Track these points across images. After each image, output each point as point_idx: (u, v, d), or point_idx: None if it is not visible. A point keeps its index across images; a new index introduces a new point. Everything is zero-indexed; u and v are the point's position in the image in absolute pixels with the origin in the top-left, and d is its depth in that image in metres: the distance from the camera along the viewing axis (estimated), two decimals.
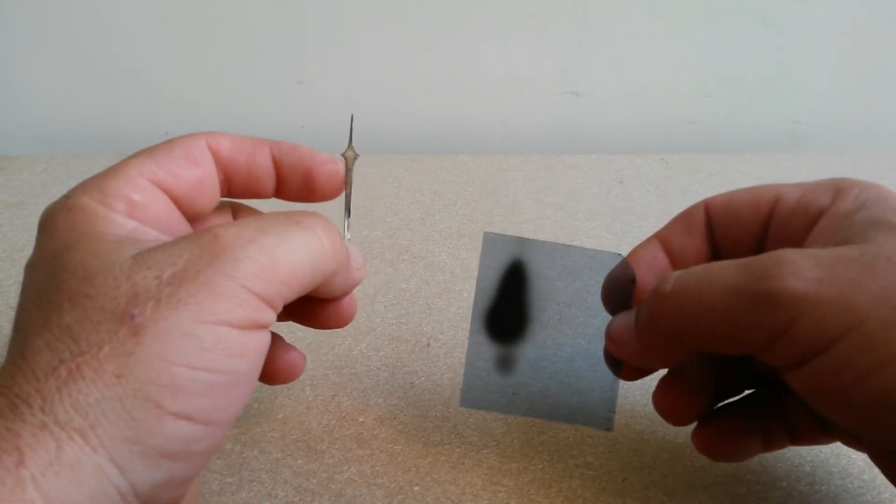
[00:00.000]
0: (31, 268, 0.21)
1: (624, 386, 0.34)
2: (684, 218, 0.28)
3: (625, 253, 0.28)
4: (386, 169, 0.53)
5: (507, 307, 0.28)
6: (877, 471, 0.29)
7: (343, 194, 0.27)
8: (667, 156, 0.57)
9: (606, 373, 0.28)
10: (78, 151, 0.58)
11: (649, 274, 0.27)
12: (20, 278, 0.43)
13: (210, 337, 0.19)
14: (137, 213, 0.22)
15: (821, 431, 0.26)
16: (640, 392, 0.34)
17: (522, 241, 0.28)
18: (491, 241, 0.28)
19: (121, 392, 0.18)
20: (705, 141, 0.63)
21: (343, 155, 0.27)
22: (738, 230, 0.27)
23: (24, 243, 0.44)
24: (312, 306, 0.27)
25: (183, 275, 0.19)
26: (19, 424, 0.17)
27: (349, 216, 0.28)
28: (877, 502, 0.28)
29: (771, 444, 0.27)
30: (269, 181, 0.26)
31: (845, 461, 0.30)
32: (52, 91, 0.58)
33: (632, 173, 0.54)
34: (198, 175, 0.24)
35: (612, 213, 0.48)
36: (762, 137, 0.64)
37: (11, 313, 0.38)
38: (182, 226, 0.24)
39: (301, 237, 0.22)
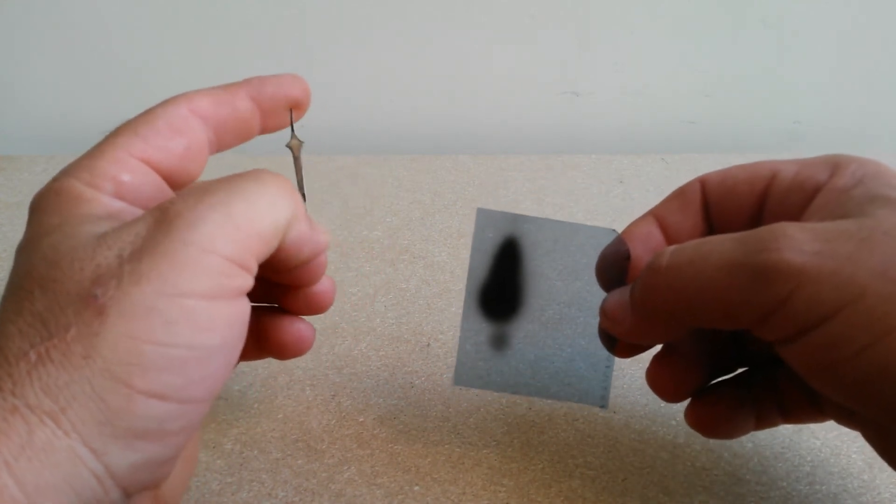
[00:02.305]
0: (18, 255, 0.21)
1: (623, 386, 0.34)
2: (679, 195, 0.28)
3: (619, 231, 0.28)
4: (386, 169, 0.53)
5: (501, 284, 0.28)
6: (877, 471, 0.30)
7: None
8: (667, 156, 0.57)
9: (601, 351, 0.28)
10: (78, 151, 0.58)
11: (644, 250, 0.27)
12: None
13: (175, 310, 0.18)
14: (126, 194, 0.22)
15: (813, 409, 0.26)
16: (639, 392, 0.34)
17: (516, 217, 0.28)
18: (484, 216, 0.28)
19: (89, 373, 0.18)
20: (705, 141, 0.63)
21: (288, 145, 0.27)
22: (734, 206, 0.26)
23: None
24: (291, 290, 0.26)
25: (142, 249, 0.19)
26: None
27: (304, 201, 0.28)
28: (877, 502, 0.28)
29: (763, 421, 0.27)
30: (255, 122, 0.26)
31: (845, 461, 0.30)
32: (52, 91, 0.58)
33: (632, 173, 0.54)
34: (184, 144, 0.23)
35: (612, 213, 0.48)
36: (762, 137, 0.64)
37: None
38: None
39: (251, 186, 0.21)
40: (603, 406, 0.29)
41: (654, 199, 0.26)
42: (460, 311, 0.39)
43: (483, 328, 0.28)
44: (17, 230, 0.45)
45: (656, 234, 0.27)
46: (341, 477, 0.29)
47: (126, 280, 0.18)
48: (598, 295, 0.28)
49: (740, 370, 0.28)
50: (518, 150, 0.60)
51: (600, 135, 0.63)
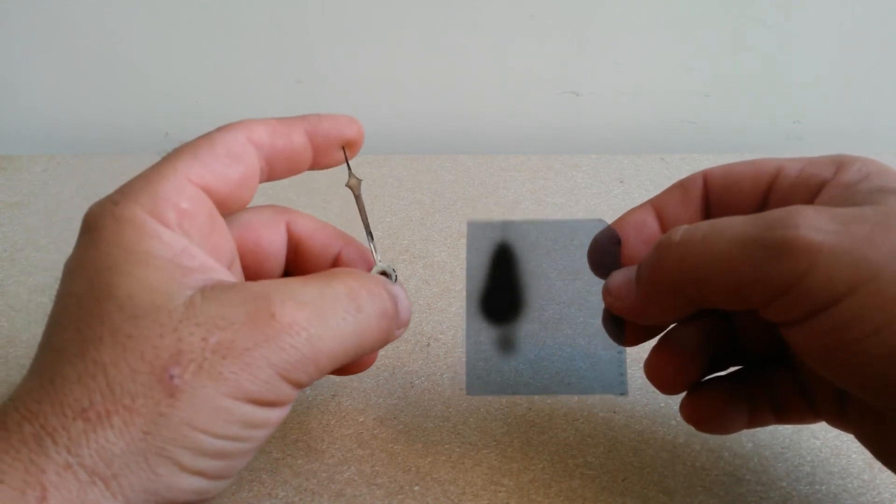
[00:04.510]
0: (72, 273, 0.21)
1: None
2: (681, 186, 0.28)
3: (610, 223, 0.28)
4: (386, 169, 0.53)
5: (500, 289, 0.28)
6: (877, 471, 0.30)
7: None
8: (666, 156, 0.57)
9: (611, 343, 0.28)
10: (78, 151, 0.58)
11: (637, 238, 0.27)
12: (21, 278, 0.43)
13: (238, 411, 0.20)
14: (185, 223, 0.22)
15: (807, 410, 0.26)
16: (639, 393, 0.34)
17: (506, 224, 0.28)
18: (475, 229, 0.28)
19: (145, 448, 0.19)
20: (705, 141, 0.63)
21: (347, 185, 0.28)
22: (736, 201, 0.26)
23: (25, 243, 0.44)
24: None
25: (229, 347, 0.19)
26: (44, 459, 0.18)
27: (373, 239, 0.28)
28: (877, 502, 0.28)
29: (755, 420, 0.27)
30: (307, 157, 0.26)
31: (845, 461, 0.30)
32: (52, 91, 0.58)
33: (632, 173, 0.54)
34: (241, 171, 0.24)
35: (612, 213, 0.48)
36: (762, 137, 0.64)
37: (12, 313, 0.38)
38: (223, 236, 0.24)
39: (355, 329, 0.22)
40: (623, 393, 0.29)
41: None
42: (460, 311, 0.39)
43: (488, 334, 0.29)
44: (16, 230, 0.45)
45: (651, 223, 0.27)
46: (341, 477, 0.29)
47: (205, 372, 0.19)
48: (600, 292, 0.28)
49: (736, 367, 0.28)
50: (518, 150, 0.60)
51: (600, 135, 0.63)
